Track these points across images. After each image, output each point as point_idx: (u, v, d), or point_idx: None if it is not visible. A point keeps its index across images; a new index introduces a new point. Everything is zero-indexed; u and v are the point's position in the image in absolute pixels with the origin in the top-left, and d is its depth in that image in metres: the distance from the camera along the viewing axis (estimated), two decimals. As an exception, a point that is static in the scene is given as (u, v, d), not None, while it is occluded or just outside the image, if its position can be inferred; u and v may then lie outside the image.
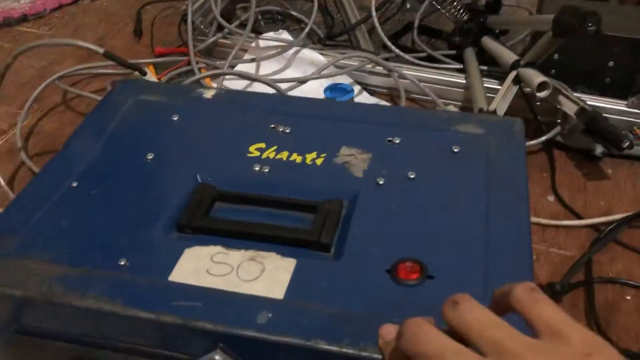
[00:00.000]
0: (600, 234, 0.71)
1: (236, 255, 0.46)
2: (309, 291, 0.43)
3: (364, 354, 0.38)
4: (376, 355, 0.38)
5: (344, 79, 0.94)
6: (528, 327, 0.32)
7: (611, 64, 0.86)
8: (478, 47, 0.96)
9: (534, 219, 0.73)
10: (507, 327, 0.32)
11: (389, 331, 0.39)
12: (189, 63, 0.95)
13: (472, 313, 0.33)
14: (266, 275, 0.44)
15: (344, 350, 0.39)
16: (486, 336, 0.32)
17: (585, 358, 0.30)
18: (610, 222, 0.72)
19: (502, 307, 0.34)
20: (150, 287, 0.43)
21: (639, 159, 0.83)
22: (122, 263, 0.45)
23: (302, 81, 0.90)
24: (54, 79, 0.87)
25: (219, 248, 0.46)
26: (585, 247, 0.70)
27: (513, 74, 0.82)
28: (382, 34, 0.96)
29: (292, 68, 0.96)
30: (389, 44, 0.96)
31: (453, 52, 0.99)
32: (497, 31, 0.98)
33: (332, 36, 1.05)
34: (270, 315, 0.41)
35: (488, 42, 0.93)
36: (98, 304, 0.42)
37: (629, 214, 0.72)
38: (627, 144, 0.73)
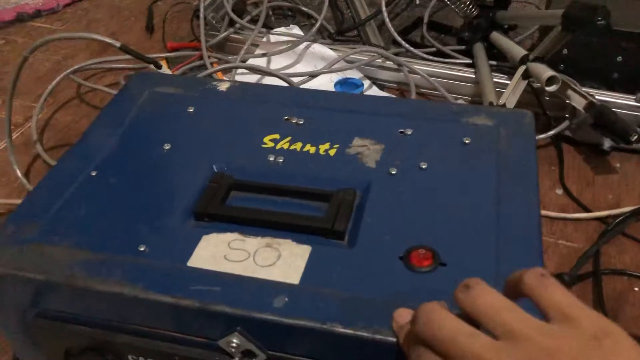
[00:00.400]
0: (608, 226, 0.72)
1: (253, 242, 0.47)
2: (323, 277, 0.44)
3: (378, 336, 0.39)
4: (390, 338, 0.39)
5: (354, 74, 0.95)
6: (539, 312, 0.33)
7: (619, 59, 0.87)
8: (487, 42, 0.97)
9: (542, 212, 0.73)
10: (519, 311, 0.33)
11: (402, 315, 0.40)
12: (201, 58, 0.96)
13: (484, 297, 0.34)
14: (282, 261, 0.45)
15: (359, 333, 0.40)
16: (498, 319, 0.33)
17: (595, 341, 0.30)
18: (618, 215, 0.73)
19: (514, 293, 0.35)
20: (170, 272, 0.44)
21: (647, 153, 0.84)
22: (142, 249, 0.46)
23: (312, 75, 0.91)
24: (69, 72, 0.88)
25: (235, 235, 0.47)
26: (593, 240, 0.71)
27: (522, 68, 0.83)
28: (391, 29, 0.97)
29: (302, 63, 0.97)
30: (398, 39, 0.97)
31: (462, 47, 1.00)
32: (505, 26, 0.99)
33: (342, 32, 1.06)
34: (286, 299, 0.42)
35: (497, 37, 0.94)
36: (119, 288, 0.43)
37: (637, 206, 0.73)
38: (635, 137, 0.73)
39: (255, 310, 0.41)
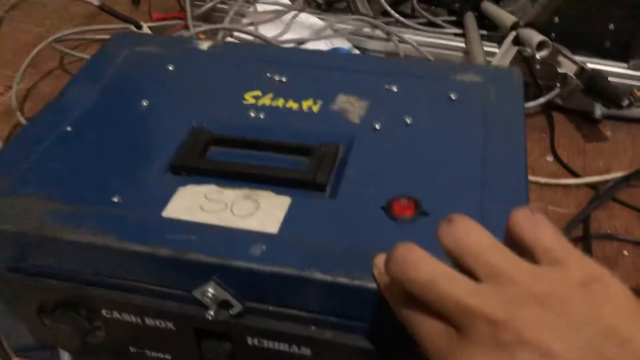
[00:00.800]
0: (599, 191, 0.71)
1: (230, 194, 0.45)
2: (303, 227, 0.43)
3: (357, 282, 0.38)
4: (370, 285, 0.38)
5: (343, 44, 0.94)
6: (526, 253, 0.31)
7: (612, 26, 0.85)
8: (478, 12, 0.95)
9: (531, 178, 0.72)
10: (505, 251, 0.31)
11: (384, 260, 0.38)
12: (186, 27, 0.94)
13: (469, 234, 0.32)
14: (261, 212, 0.44)
15: (338, 279, 0.38)
16: (482, 259, 0.30)
17: (583, 287, 0.29)
18: (609, 181, 0.72)
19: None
20: (144, 222, 0.43)
21: (638, 121, 0.82)
22: (116, 200, 0.45)
23: (300, 43, 0.89)
24: (50, 40, 0.87)
25: (213, 187, 0.46)
26: (584, 205, 0.70)
27: (512, 34, 0.81)
28: (382, 0, 0.95)
29: (290, 33, 0.95)
30: (388, 9, 0.95)
31: (453, 18, 0.98)
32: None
33: (330, 2, 1.04)
34: (264, 247, 0.40)
35: (487, 6, 0.93)
36: (91, 237, 0.42)
37: (628, 172, 0.72)
38: (626, 102, 0.72)
39: (232, 258, 0.40)
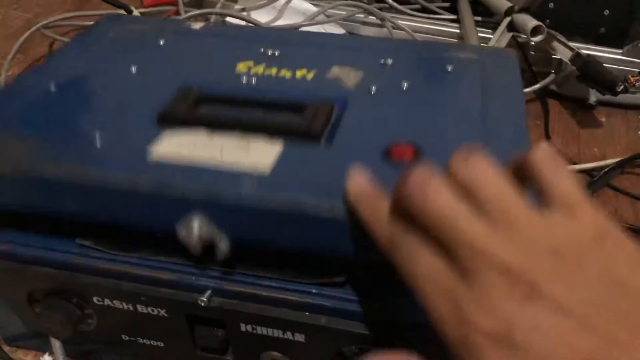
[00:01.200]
0: (594, 178, 0.71)
1: (220, 140, 0.43)
2: (296, 169, 0.40)
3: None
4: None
5: (336, 30, 0.93)
6: (540, 194, 0.29)
7: (607, 12, 0.85)
8: (472, -2, 0.95)
9: (526, 164, 0.72)
10: (521, 198, 0.29)
11: (360, 184, 0.35)
12: (177, 13, 0.93)
13: (487, 170, 0.29)
14: (252, 155, 0.41)
15: (333, 215, 0.36)
16: (499, 202, 0.28)
17: (597, 242, 0.28)
18: (604, 167, 0.72)
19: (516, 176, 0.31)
20: (127, 159, 0.41)
21: (633, 107, 0.82)
22: (99, 143, 0.42)
23: (292, 29, 0.88)
24: (39, 26, 0.85)
25: (202, 134, 0.43)
26: (578, 192, 0.69)
27: (507, 20, 0.81)
28: (375, -15, 0.94)
29: (283, 19, 0.94)
30: (382, -6, 0.95)
31: (447, 4, 0.98)
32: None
33: (324, -12, 1.03)
34: (254, 184, 0.38)
35: (482, -9, 0.92)
36: (71, 171, 0.39)
37: (622, 158, 0.72)
38: (621, 87, 0.72)
39: (220, 194, 0.37)
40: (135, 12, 0.77)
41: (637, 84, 0.79)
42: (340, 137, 0.44)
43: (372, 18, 0.92)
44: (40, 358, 0.52)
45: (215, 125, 0.44)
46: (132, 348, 0.48)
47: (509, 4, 0.83)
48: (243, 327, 0.43)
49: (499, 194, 0.29)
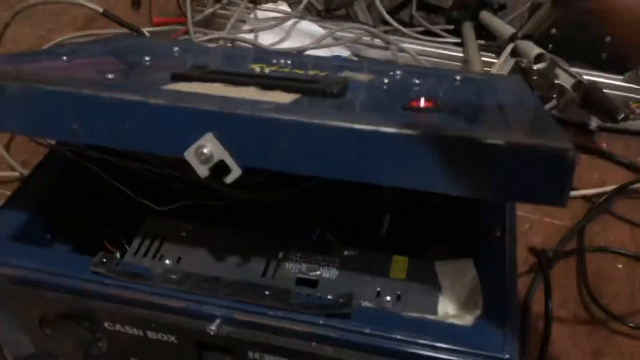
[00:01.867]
0: (594, 204, 0.72)
1: (236, 89, 0.43)
2: (313, 107, 0.41)
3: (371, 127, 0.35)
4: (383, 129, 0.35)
5: (342, 52, 0.94)
6: None
7: (608, 39, 0.86)
8: (476, 21, 0.96)
9: (528, 190, 0.73)
10: None
11: None
12: (186, 33, 0.95)
13: None
14: (269, 97, 0.41)
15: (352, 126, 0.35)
16: None
17: None
18: (604, 194, 0.73)
19: None
20: (141, 89, 0.41)
21: (633, 134, 0.83)
22: (111, 77, 0.44)
23: (299, 51, 0.90)
24: (51, 45, 0.87)
25: (217, 84, 0.44)
26: (579, 218, 0.71)
27: (510, 46, 0.82)
28: (380, 7, 0.96)
29: (290, 40, 0.96)
30: (387, 17, 0.96)
31: (451, 27, 0.99)
32: (495, 6, 0.98)
33: (330, 9, 1.04)
34: (272, 108, 0.37)
35: (486, 16, 0.94)
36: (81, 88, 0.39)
37: (622, 184, 0.73)
38: (622, 115, 0.73)
39: (235, 109, 0.37)
40: (145, 34, 0.79)
41: (637, 110, 0.80)
42: (357, 98, 0.45)
43: (378, 40, 0.93)
44: (50, 378, 0.53)
45: (230, 81, 0.44)
46: (141, 372, 0.49)
47: (513, 30, 0.85)
48: (251, 354, 0.44)
49: None
